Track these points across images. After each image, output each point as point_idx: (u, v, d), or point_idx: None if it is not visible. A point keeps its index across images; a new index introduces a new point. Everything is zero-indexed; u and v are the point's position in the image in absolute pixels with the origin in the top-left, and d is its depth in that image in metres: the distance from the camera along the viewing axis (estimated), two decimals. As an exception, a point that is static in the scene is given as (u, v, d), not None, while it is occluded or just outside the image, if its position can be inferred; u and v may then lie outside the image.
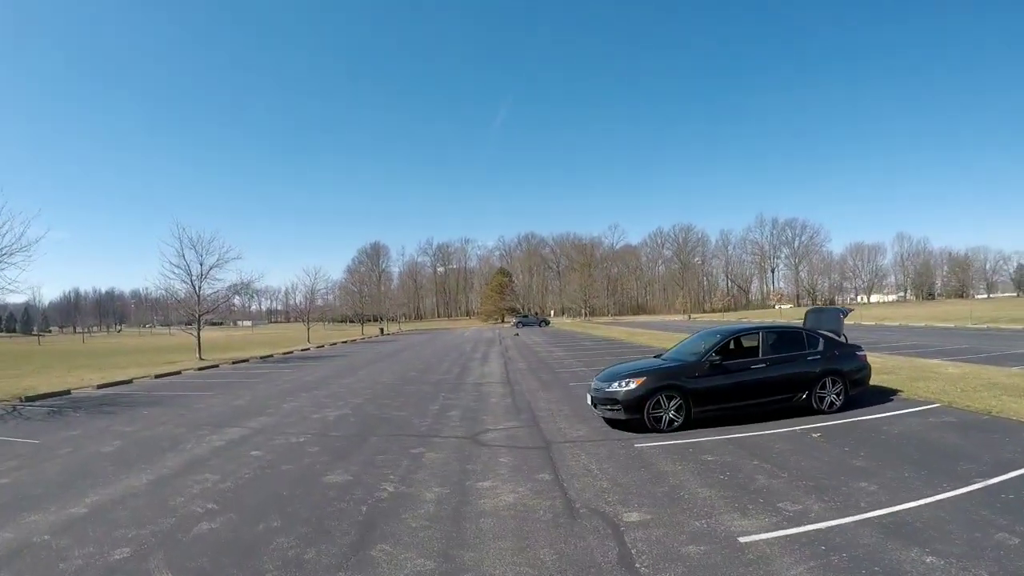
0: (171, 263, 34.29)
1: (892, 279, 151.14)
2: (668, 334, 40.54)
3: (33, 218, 26.10)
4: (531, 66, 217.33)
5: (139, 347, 56.69)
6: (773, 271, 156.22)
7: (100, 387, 20.48)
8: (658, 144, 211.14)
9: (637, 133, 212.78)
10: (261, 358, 34.21)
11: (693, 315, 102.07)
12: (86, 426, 12.85)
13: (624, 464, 7.93)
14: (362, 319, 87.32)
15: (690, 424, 9.63)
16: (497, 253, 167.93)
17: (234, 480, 8.15)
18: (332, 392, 17.42)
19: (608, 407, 10.03)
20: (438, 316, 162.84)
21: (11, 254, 17.69)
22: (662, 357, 11.86)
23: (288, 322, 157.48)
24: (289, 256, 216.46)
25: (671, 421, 9.64)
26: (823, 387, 10.44)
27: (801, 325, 12.26)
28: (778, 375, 10.27)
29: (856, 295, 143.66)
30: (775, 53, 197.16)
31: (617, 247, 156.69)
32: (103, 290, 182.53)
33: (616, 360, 22.27)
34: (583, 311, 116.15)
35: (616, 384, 9.98)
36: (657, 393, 9.67)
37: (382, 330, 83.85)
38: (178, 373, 25.65)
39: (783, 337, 10.85)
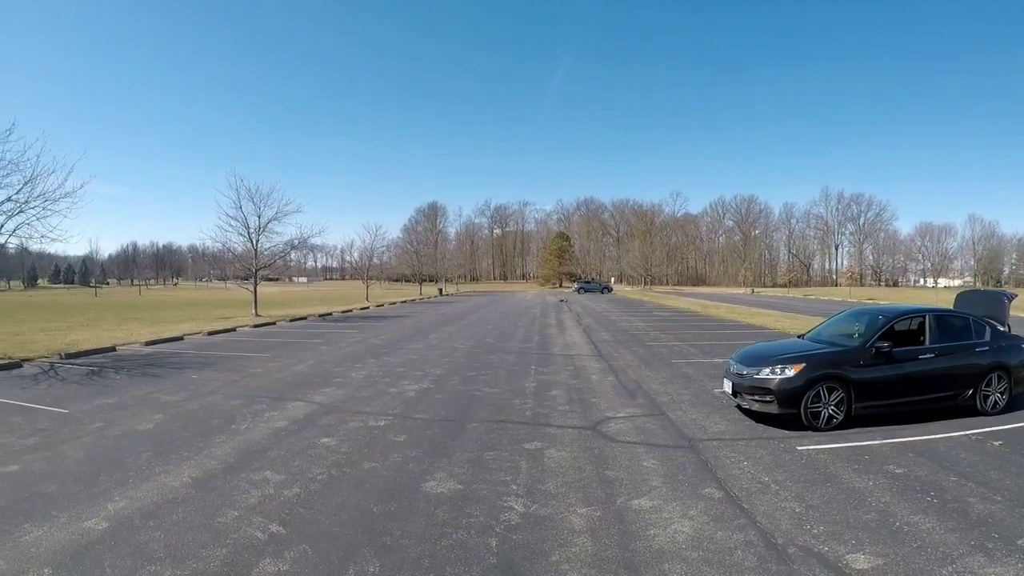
0: (228, 215, 32.97)
1: (958, 263, 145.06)
2: (745, 308, 39.93)
3: (77, 162, 25.26)
4: (590, 25, 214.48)
5: (194, 301, 56.85)
6: (837, 248, 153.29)
7: (148, 344, 19.35)
8: (721, 110, 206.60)
9: (699, 98, 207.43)
10: (320, 316, 33.09)
11: (756, 289, 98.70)
12: (125, 392, 11.35)
13: (800, 476, 6.59)
14: (420, 279, 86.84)
15: (849, 422, 8.56)
16: (555, 217, 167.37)
17: (303, 484, 6.32)
18: (405, 359, 15.74)
19: (756, 398, 8.85)
20: (493, 278, 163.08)
21: (54, 201, 16.61)
22: (805, 339, 10.72)
23: (343, 280, 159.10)
24: (345, 214, 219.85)
25: (830, 418, 8.54)
26: (988, 384, 9.47)
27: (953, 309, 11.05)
28: (946, 368, 9.24)
29: (923, 278, 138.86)
30: (847, 20, 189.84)
31: (678, 215, 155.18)
32: (161, 244, 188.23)
33: (710, 334, 21.01)
34: (644, 279, 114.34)
35: (767, 371, 8.80)
36: (817, 384, 8.52)
37: (440, 290, 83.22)
38: (233, 330, 24.53)
39: (950, 323, 9.83)
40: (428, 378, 12.79)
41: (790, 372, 8.58)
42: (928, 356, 9.17)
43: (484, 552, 4.76)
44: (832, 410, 8.51)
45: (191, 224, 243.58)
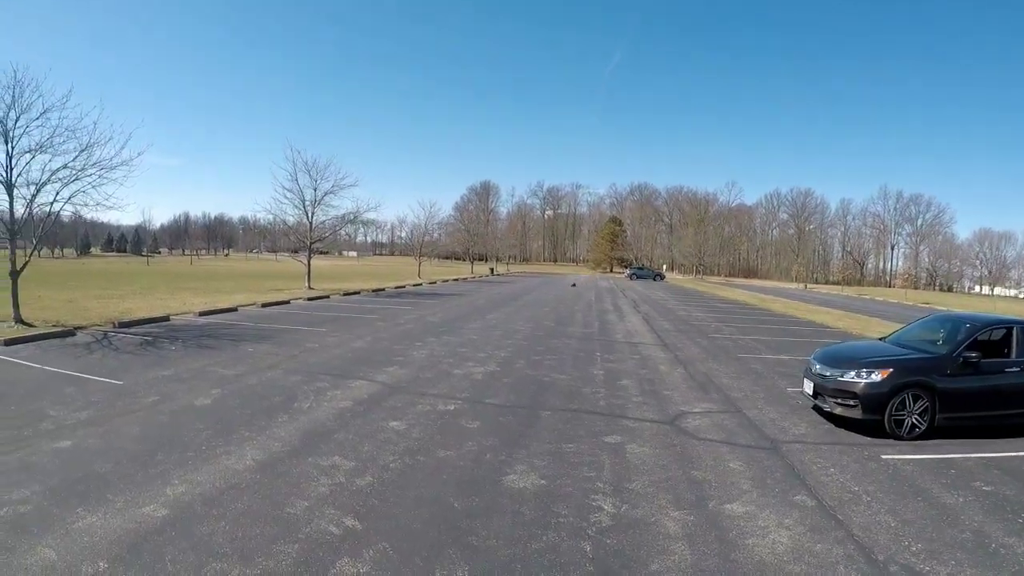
0: (283, 187, 33.31)
1: (1016, 272, 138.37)
2: (802, 304, 39.36)
3: (135, 130, 25.63)
4: (649, 9, 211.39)
5: (245, 272, 57.95)
6: (893, 248, 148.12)
7: (202, 314, 19.50)
8: (781, 99, 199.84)
9: (759, 88, 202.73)
10: (373, 291, 33.10)
11: (809, 285, 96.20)
12: (180, 365, 11.24)
13: (889, 487, 6.40)
14: (471, 257, 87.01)
15: (931, 432, 8.35)
16: (608, 201, 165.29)
17: (376, 472, 5.98)
18: (466, 339, 15.45)
19: (839, 401, 8.69)
20: (544, 260, 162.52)
21: (110, 169, 16.73)
22: (887, 342, 10.46)
23: (392, 255, 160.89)
24: (396, 190, 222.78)
25: (913, 427, 8.37)
26: None
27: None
28: None
29: (979, 285, 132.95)
30: (912, 19, 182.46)
31: (732, 205, 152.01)
32: (212, 215, 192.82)
33: (771, 329, 21.55)
34: (696, 268, 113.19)
35: (853, 374, 8.66)
36: (903, 391, 8.36)
37: (492, 270, 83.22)
38: (287, 303, 24.63)
39: None
40: (493, 361, 12.48)
41: (877, 377, 8.41)
42: (1014, 369, 8.91)
43: (579, 558, 4.47)
44: (916, 419, 8.34)
45: (243, 196, 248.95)
